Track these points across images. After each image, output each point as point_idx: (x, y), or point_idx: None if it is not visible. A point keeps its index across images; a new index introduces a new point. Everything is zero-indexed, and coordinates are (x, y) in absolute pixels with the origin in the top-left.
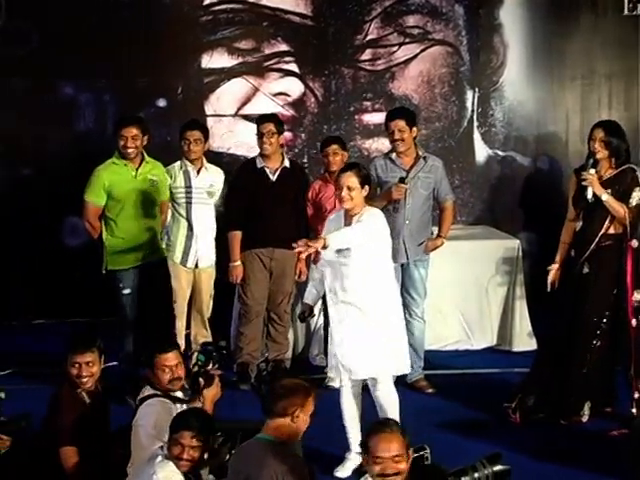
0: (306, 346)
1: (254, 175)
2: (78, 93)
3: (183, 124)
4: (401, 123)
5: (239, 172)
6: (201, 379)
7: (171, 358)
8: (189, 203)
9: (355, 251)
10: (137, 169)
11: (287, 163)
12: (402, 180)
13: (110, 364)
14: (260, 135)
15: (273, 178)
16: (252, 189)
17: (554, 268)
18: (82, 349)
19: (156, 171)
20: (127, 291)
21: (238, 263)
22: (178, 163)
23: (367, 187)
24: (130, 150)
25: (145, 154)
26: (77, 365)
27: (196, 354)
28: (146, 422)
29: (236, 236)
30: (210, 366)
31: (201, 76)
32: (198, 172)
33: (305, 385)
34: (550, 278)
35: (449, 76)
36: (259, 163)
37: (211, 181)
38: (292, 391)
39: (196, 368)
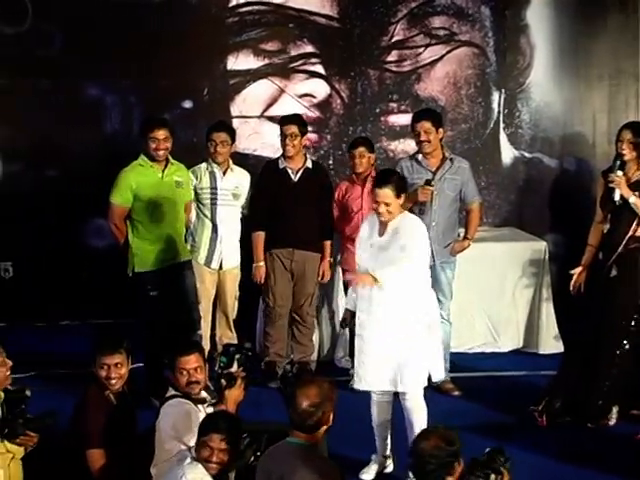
0: (331, 348)
1: (276, 175)
2: (104, 94)
3: (210, 126)
4: (427, 124)
5: (262, 173)
6: (223, 380)
7: (191, 361)
8: (214, 204)
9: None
10: (163, 171)
11: (309, 164)
12: (428, 182)
13: (136, 365)
14: (283, 136)
15: (295, 179)
16: (274, 189)
17: (577, 271)
18: (110, 350)
19: (181, 172)
20: (154, 293)
21: (262, 264)
22: (204, 164)
23: (403, 195)
24: (162, 152)
25: (169, 156)
26: (106, 367)
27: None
28: (165, 423)
29: (259, 236)
30: (234, 368)
31: (227, 77)
32: (224, 173)
33: (328, 387)
34: (573, 281)
35: (475, 77)
36: (281, 164)
37: (237, 183)
38: (322, 403)
39: (219, 370)
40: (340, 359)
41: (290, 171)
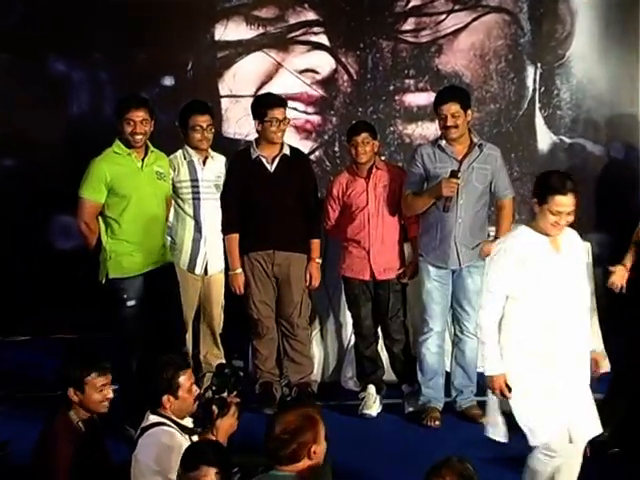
0: (337, 367)
1: (249, 167)
2: (70, 70)
3: (186, 107)
4: (455, 107)
5: (231, 165)
6: (215, 407)
7: (190, 376)
8: (196, 199)
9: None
10: (142, 159)
11: (287, 150)
12: (454, 174)
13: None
14: (269, 122)
15: (271, 169)
16: (247, 183)
17: (618, 270)
18: (103, 370)
19: (161, 162)
20: (132, 302)
21: (239, 271)
22: (180, 152)
23: None
24: (139, 137)
25: (149, 142)
26: (102, 388)
27: (210, 377)
28: (146, 455)
29: (233, 239)
30: (226, 393)
31: (214, 50)
32: (204, 162)
33: (308, 414)
34: (612, 280)
35: (506, 49)
36: (254, 153)
37: (218, 172)
38: (298, 431)
39: (209, 393)
40: (347, 380)
41: (264, 160)
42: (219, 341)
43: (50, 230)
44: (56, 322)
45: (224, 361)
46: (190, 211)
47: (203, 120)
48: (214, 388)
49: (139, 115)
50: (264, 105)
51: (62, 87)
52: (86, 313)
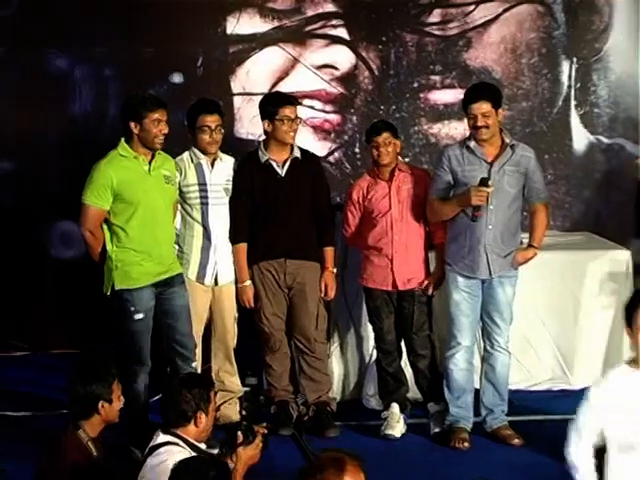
0: (358, 384)
1: (258, 171)
2: (72, 66)
3: (194, 106)
4: (486, 106)
5: (239, 169)
6: (239, 433)
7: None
8: (204, 204)
9: None
10: (150, 162)
11: (297, 153)
12: (484, 182)
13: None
14: (280, 121)
15: (282, 173)
16: (257, 189)
17: None
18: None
19: (168, 165)
20: (140, 316)
21: (248, 283)
22: (187, 154)
23: None
24: (162, 139)
25: None
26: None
27: (237, 399)
28: (153, 477)
29: (241, 249)
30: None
31: (226, 44)
32: (212, 165)
33: (335, 460)
34: None
35: (539, 43)
36: (263, 156)
37: (228, 175)
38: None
39: (237, 417)
40: (369, 398)
41: (275, 164)
42: (233, 357)
43: (50, 238)
44: (56, 336)
45: (238, 379)
46: (198, 217)
47: (212, 120)
48: (244, 413)
49: (165, 115)
50: (274, 103)
51: (63, 84)
52: (90, 327)
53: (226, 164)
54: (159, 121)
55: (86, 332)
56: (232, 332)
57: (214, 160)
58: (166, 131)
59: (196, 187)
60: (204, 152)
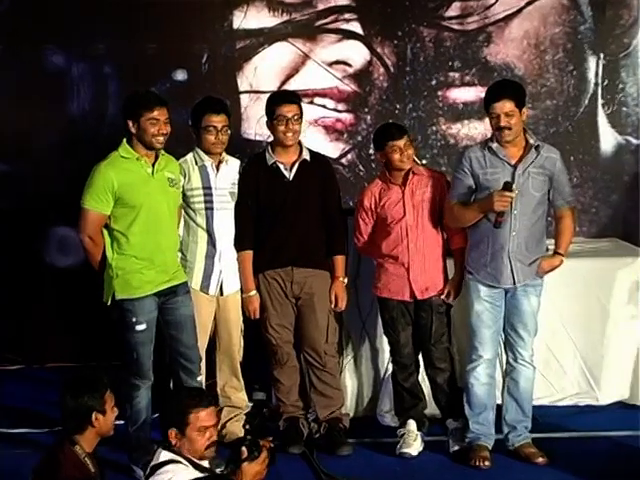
0: (373, 399)
1: (265, 174)
2: (70, 63)
3: (199, 105)
4: (509, 105)
5: (245, 172)
6: (244, 448)
7: (207, 416)
8: (209, 209)
9: None
10: (153, 165)
11: (306, 155)
12: (508, 186)
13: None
14: (279, 121)
15: (290, 176)
16: (262, 193)
17: None
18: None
19: (172, 167)
20: (142, 327)
21: (253, 293)
22: (190, 156)
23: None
24: (162, 138)
25: None
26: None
27: (243, 415)
28: None
29: (246, 257)
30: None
31: (233, 40)
32: (217, 168)
33: None
34: None
35: (564, 38)
36: (270, 158)
37: (233, 178)
38: None
39: (242, 432)
40: (384, 414)
41: (282, 167)
42: (239, 371)
43: (47, 245)
44: (53, 349)
45: (244, 394)
46: (202, 223)
47: (218, 120)
48: (248, 427)
49: (164, 114)
50: (272, 101)
51: (60, 82)
52: (88, 339)
53: (231, 167)
54: (157, 120)
55: (85, 345)
56: (238, 345)
57: (219, 163)
58: (166, 131)
59: (200, 191)
60: (209, 153)
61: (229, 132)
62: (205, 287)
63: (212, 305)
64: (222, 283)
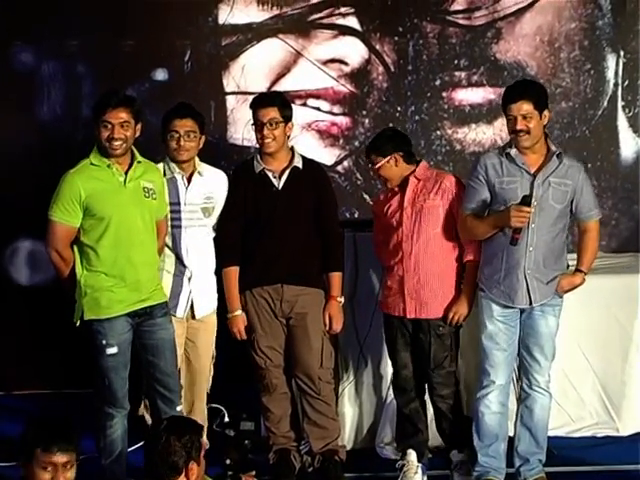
0: (372, 429)
1: (252, 183)
2: (39, 61)
3: (168, 111)
4: (527, 106)
5: (231, 181)
6: None
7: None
8: (176, 227)
9: None
10: (126, 172)
11: (298, 162)
12: (526, 201)
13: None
14: (258, 126)
15: (279, 185)
16: (250, 203)
17: None
18: (60, 447)
19: (151, 176)
20: (112, 350)
21: (238, 312)
22: (160, 166)
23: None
24: (117, 143)
25: (136, 151)
26: (51, 467)
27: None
28: None
29: (231, 274)
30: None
31: (218, 36)
32: (189, 180)
33: None
34: None
35: (581, 34)
36: (257, 166)
37: (207, 192)
38: None
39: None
40: (383, 445)
41: (270, 175)
42: (204, 400)
43: (9, 259)
44: (21, 376)
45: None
46: (168, 241)
47: (181, 125)
48: (230, 463)
49: (118, 116)
50: (251, 105)
51: (29, 82)
52: (58, 364)
53: (208, 179)
54: (109, 123)
55: (54, 371)
56: (206, 373)
57: (192, 174)
58: (122, 135)
59: (168, 207)
60: (173, 161)
61: (198, 138)
62: (173, 307)
63: (182, 327)
64: (192, 306)
